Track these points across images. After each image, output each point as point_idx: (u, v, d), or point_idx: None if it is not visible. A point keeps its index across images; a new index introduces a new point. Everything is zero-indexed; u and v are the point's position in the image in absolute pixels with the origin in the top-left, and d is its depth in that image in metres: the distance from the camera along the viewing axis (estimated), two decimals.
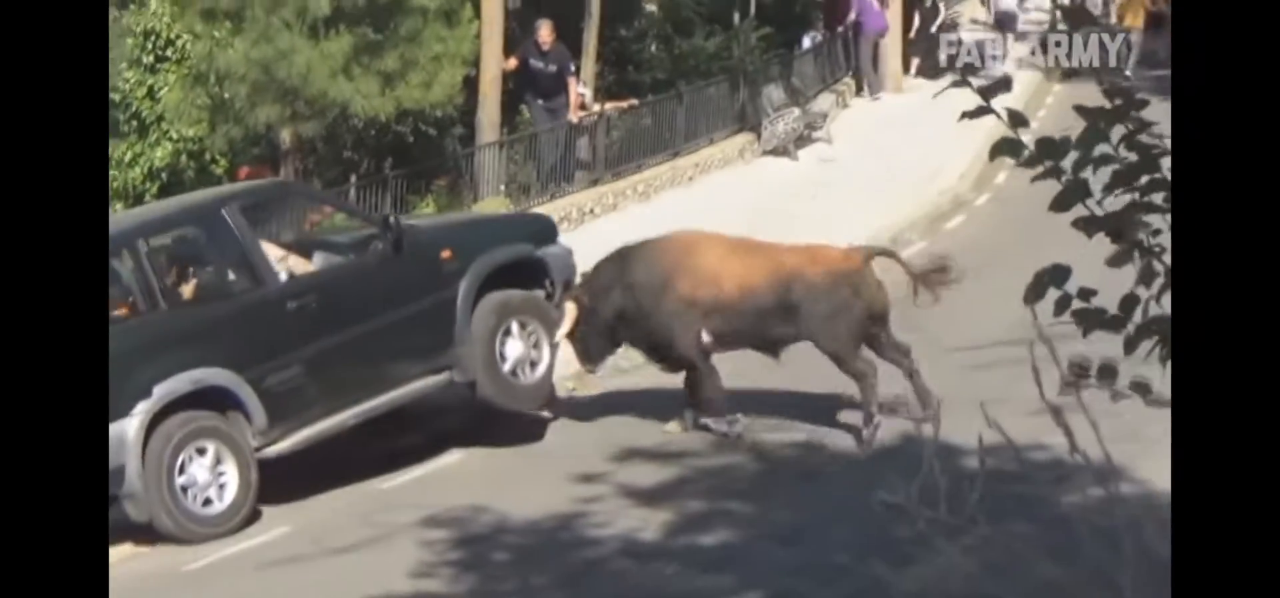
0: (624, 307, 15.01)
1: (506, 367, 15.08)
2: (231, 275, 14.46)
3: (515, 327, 15.14)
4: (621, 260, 15.20)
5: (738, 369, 15.22)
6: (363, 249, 15.13)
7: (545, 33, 24.44)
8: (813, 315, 14.53)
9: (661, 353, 15.18)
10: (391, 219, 15.45)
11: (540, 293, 15.58)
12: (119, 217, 17.36)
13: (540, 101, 24.73)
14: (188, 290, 14.39)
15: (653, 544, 12.28)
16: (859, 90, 31.91)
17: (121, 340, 13.45)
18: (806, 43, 31.73)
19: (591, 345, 15.34)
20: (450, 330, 14.89)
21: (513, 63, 24.49)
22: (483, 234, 15.89)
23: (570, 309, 15.13)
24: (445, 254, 15.09)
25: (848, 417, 14.79)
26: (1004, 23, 37.57)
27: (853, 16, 31.72)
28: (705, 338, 14.78)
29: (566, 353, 15.52)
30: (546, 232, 16.30)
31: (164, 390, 13.48)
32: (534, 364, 15.24)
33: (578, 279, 15.51)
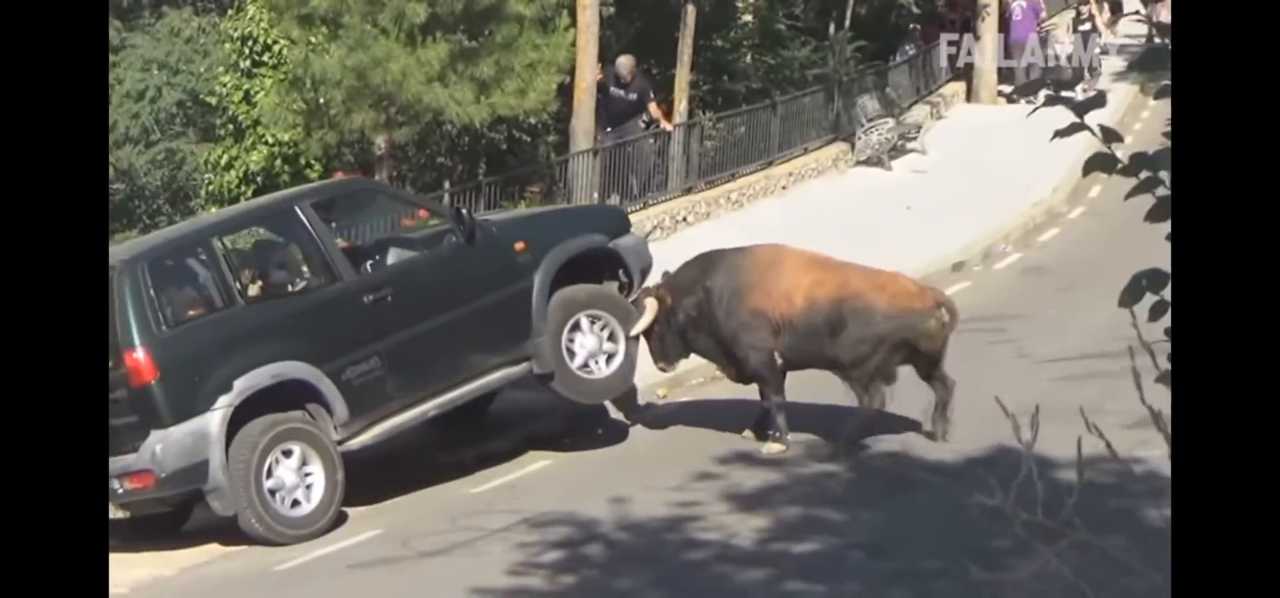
0: (700, 310, 15.00)
1: (576, 362, 15.05)
2: (307, 271, 14.59)
3: (584, 321, 15.09)
4: (704, 264, 15.24)
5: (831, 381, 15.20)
6: (437, 243, 15.21)
7: (624, 68, 24.43)
8: (849, 337, 14.50)
9: (733, 363, 15.16)
10: (464, 212, 15.50)
11: (613, 285, 15.56)
12: (195, 219, 17.55)
13: (608, 128, 24.59)
14: (264, 287, 14.52)
15: (745, 551, 12.26)
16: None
17: (201, 337, 13.62)
18: (910, 51, 31.76)
19: (667, 345, 15.33)
20: (527, 322, 14.89)
21: (601, 75, 24.43)
22: (555, 226, 15.87)
23: (651, 305, 15.15)
24: (519, 246, 15.09)
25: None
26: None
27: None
28: (778, 358, 14.76)
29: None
30: (619, 223, 16.29)
31: (244, 384, 13.59)
32: (610, 357, 15.21)
33: (661, 276, 15.50)
